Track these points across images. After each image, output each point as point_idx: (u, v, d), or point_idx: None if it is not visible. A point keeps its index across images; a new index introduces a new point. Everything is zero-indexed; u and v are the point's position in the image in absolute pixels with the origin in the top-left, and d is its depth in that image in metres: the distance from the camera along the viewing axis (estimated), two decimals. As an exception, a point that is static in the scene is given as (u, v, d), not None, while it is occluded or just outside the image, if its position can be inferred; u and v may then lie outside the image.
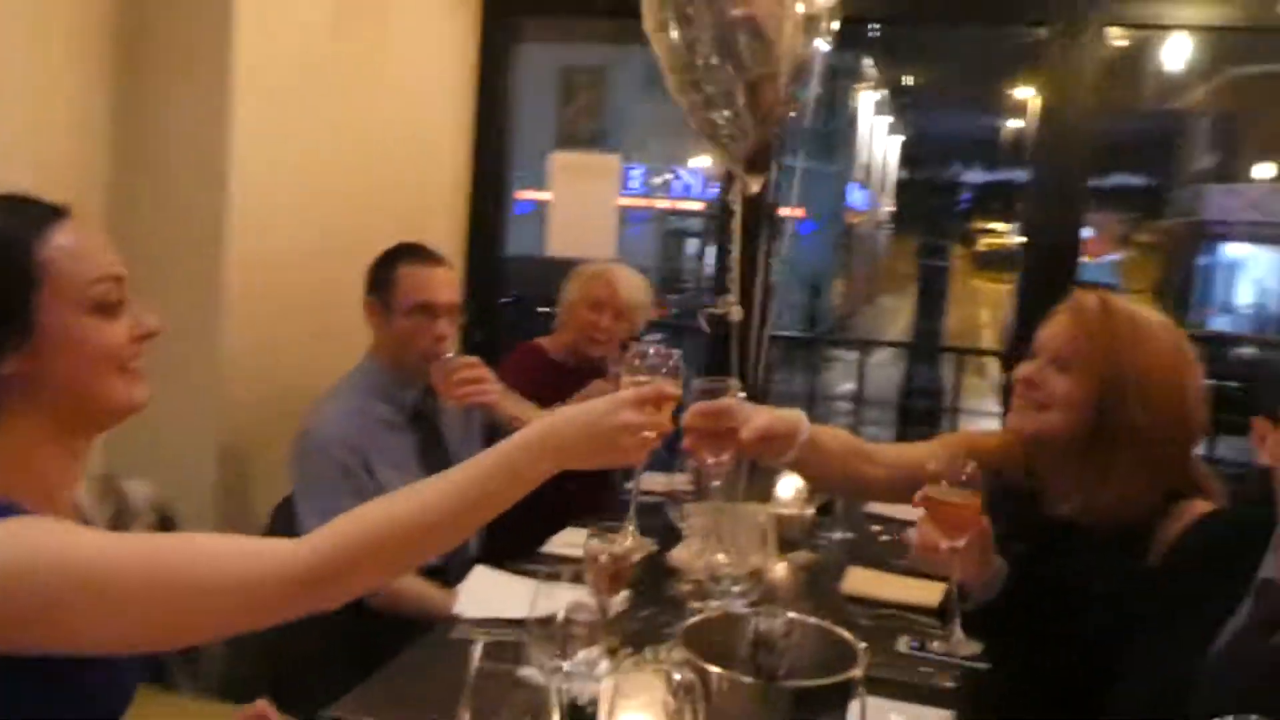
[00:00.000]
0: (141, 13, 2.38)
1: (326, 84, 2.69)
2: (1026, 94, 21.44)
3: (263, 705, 1.29)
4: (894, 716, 1.40)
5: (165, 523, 1.99)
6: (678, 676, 1.10)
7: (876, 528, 2.55)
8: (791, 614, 1.19)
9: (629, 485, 2.89)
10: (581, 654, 1.34)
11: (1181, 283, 23.86)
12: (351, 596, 1.09)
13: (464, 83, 3.45)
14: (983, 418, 6.25)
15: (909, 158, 25.13)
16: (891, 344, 9.00)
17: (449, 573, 2.23)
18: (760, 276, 1.99)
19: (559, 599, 1.36)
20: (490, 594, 1.90)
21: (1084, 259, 3.69)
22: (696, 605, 1.76)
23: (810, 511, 2.34)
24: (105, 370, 1.13)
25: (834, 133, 22.61)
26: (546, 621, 1.32)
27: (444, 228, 3.46)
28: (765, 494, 2.28)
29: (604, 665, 1.39)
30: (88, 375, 1.12)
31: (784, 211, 3.48)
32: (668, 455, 2.84)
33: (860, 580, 2.12)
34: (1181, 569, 1.55)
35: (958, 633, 1.53)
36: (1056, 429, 1.74)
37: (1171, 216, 25.19)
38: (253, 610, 1.04)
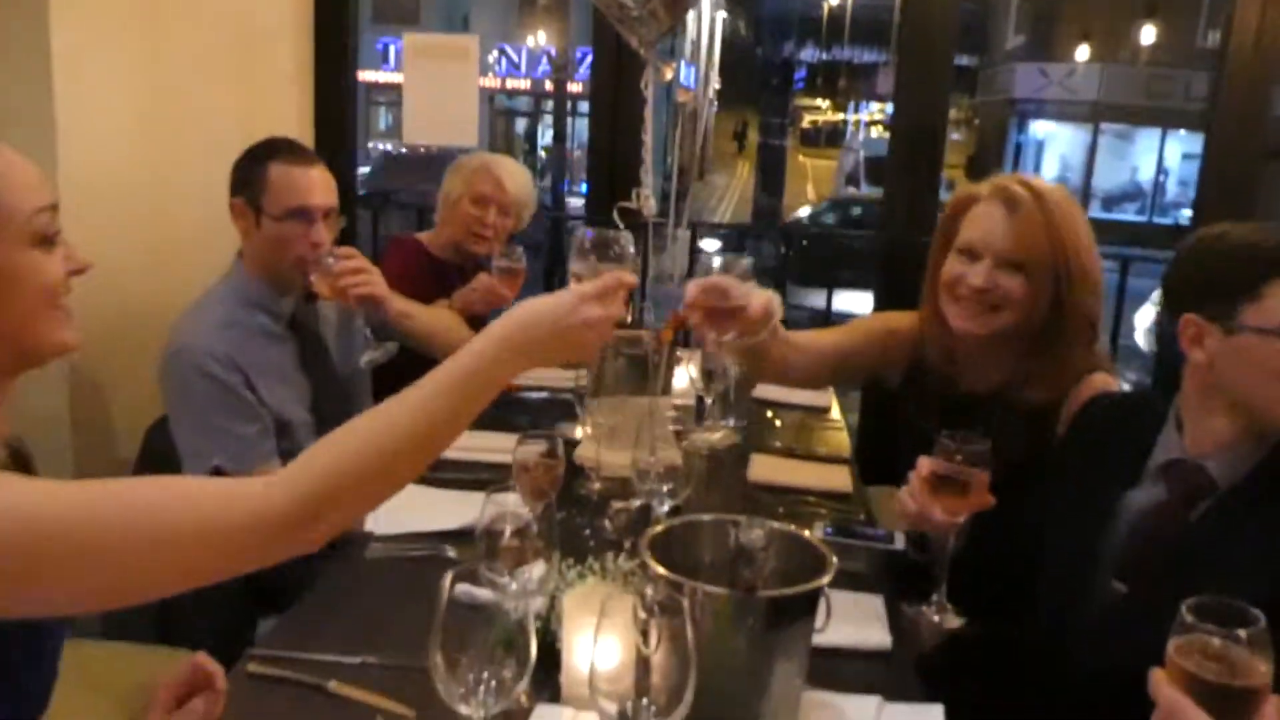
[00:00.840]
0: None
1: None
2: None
3: (202, 657, 1.19)
4: (842, 609, 1.41)
5: (18, 457, 1.81)
6: (651, 592, 1.06)
7: (769, 413, 2.58)
8: (769, 523, 1.16)
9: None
10: (527, 570, 1.30)
11: (993, 159, 25.01)
12: (332, 535, 0.99)
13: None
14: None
15: (743, 36, 25.12)
16: (742, 226, 9.05)
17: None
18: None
19: (500, 510, 1.31)
20: (400, 508, 1.80)
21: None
22: (620, 504, 1.74)
23: (708, 400, 2.34)
24: (43, 307, 1.07)
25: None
26: (493, 535, 1.26)
27: (290, 116, 3.21)
28: (665, 386, 2.26)
29: (552, 579, 1.34)
30: (26, 312, 1.06)
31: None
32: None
33: (765, 467, 2.13)
34: (1082, 443, 1.62)
35: (944, 602, 1.49)
36: (1010, 327, 1.74)
37: (985, 94, 26.22)
38: (230, 558, 0.95)
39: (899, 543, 1.74)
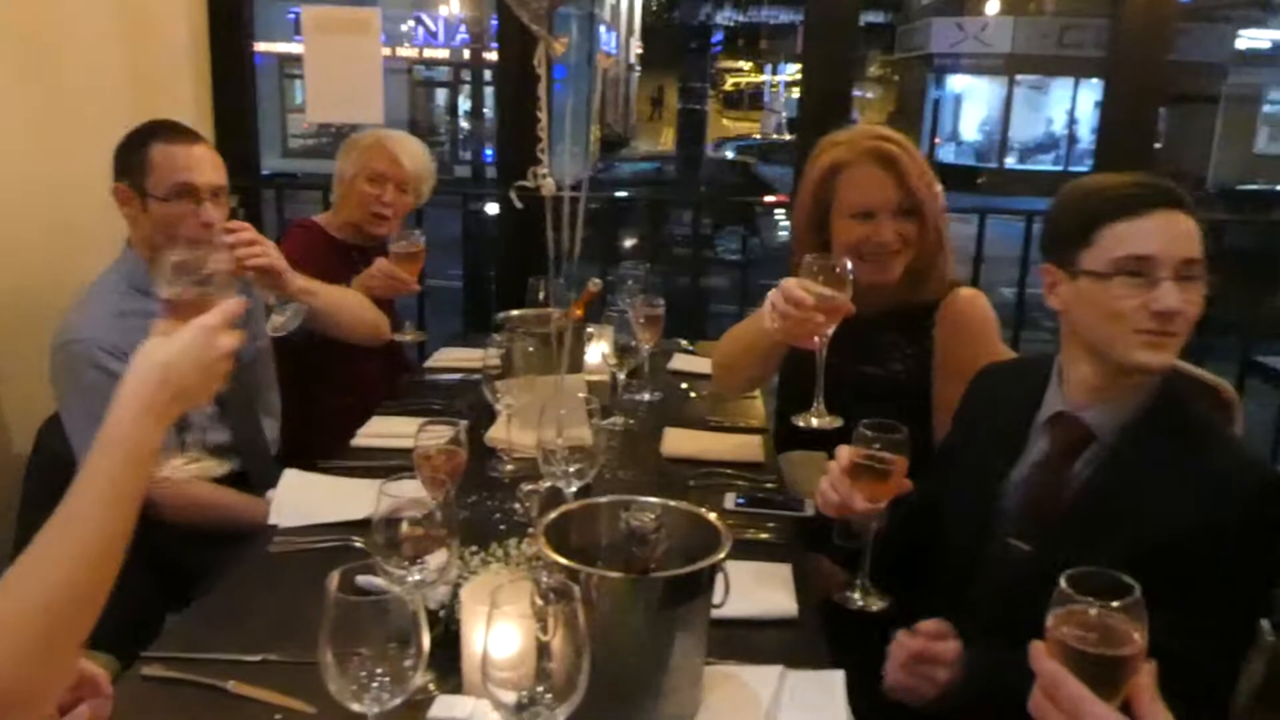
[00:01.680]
0: None
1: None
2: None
3: (81, 662, 1.15)
4: (749, 580, 1.43)
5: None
6: (546, 579, 1.06)
7: (683, 385, 2.59)
8: (660, 502, 1.16)
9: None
10: (428, 559, 1.28)
11: (914, 114, 25.28)
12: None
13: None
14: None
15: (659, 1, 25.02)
16: (666, 201, 8.97)
17: (251, 477, 2.09)
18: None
19: (399, 500, 1.28)
20: (305, 499, 1.79)
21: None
22: (529, 486, 1.73)
23: (621, 375, 2.34)
24: None
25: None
26: (391, 525, 1.24)
27: (186, 94, 3.12)
28: (576, 364, 2.25)
29: (453, 568, 1.33)
30: None
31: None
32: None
33: (678, 441, 2.14)
34: (976, 411, 1.66)
35: (868, 584, 1.51)
36: (910, 261, 1.94)
37: (902, 51, 26.43)
38: None
39: (809, 509, 1.76)
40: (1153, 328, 1.32)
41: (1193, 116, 21.13)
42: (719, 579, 1.14)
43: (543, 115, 1.63)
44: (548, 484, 1.66)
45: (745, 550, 1.61)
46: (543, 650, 1.01)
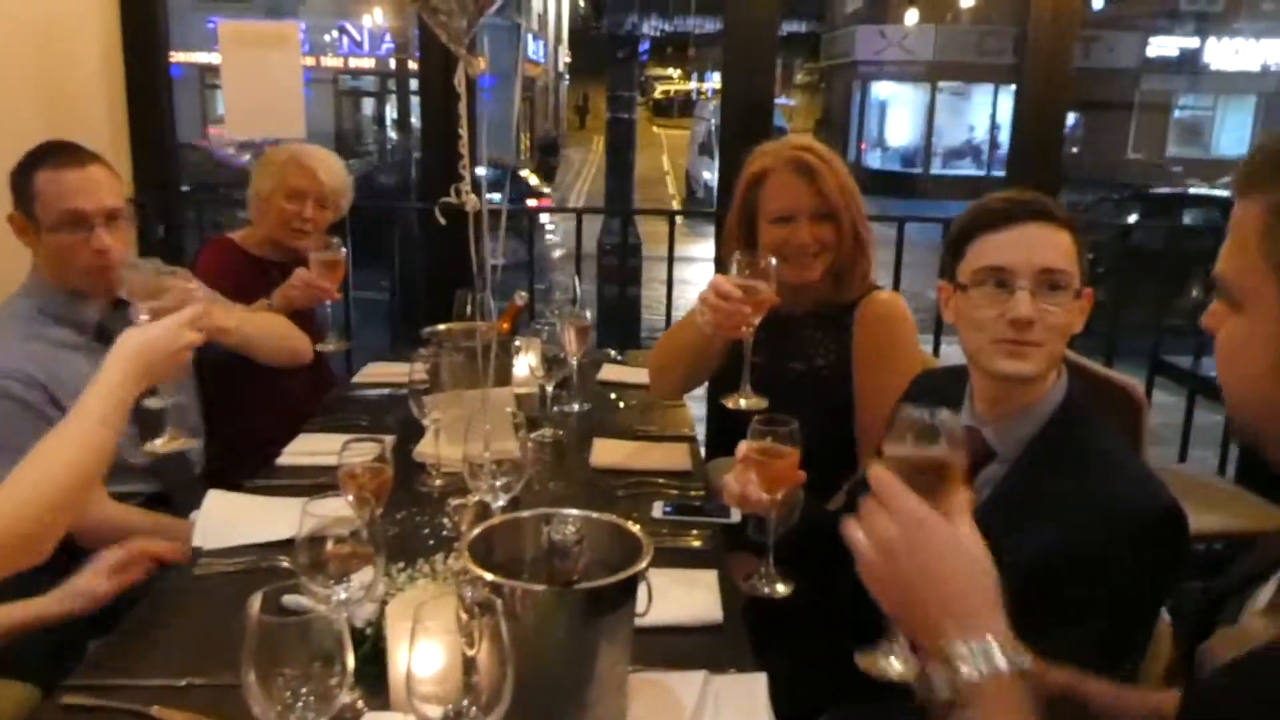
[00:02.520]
0: None
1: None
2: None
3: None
4: (675, 587, 1.45)
5: None
6: (470, 594, 1.07)
7: (613, 395, 2.61)
8: (580, 514, 1.18)
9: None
10: (355, 577, 1.29)
11: (840, 121, 25.66)
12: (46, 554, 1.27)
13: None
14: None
15: (589, 9, 25.04)
16: (594, 210, 8.96)
17: (174, 499, 2.06)
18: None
19: (322, 519, 1.28)
20: (230, 520, 1.77)
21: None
22: (458, 501, 1.73)
23: (550, 387, 2.35)
24: None
25: (506, -17, 21.97)
26: (315, 543, 1.24)
27: (100, 111, 3.06)
28: (503, 377, 2.26)
29: (380, 585, 1.34)
30: None
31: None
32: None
33: (607, 451, 2.16)
34: None
35: (772, 571, 1.53)
36: (830, 263, 2.08)
37: (828, 58, 26.82)
38: None
39: (735, 516, 1.80)
40: (1010, 336, 1.38)
41: (1106, 122, 21.79)
42: (641, 588, 1.16)
43: (464, 133, 1.65)
44: (476, 498, 1.67)
45: (672, 558, 1.64)
46: (468, 664, 1.02)
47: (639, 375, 2.73)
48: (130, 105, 3.20)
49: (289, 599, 1.11)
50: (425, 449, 2.05)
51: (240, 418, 2.40)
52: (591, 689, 1.12)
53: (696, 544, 1.75)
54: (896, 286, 3.35)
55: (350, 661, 1.01)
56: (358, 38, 21.07)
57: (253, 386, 2.45)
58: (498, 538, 1.19)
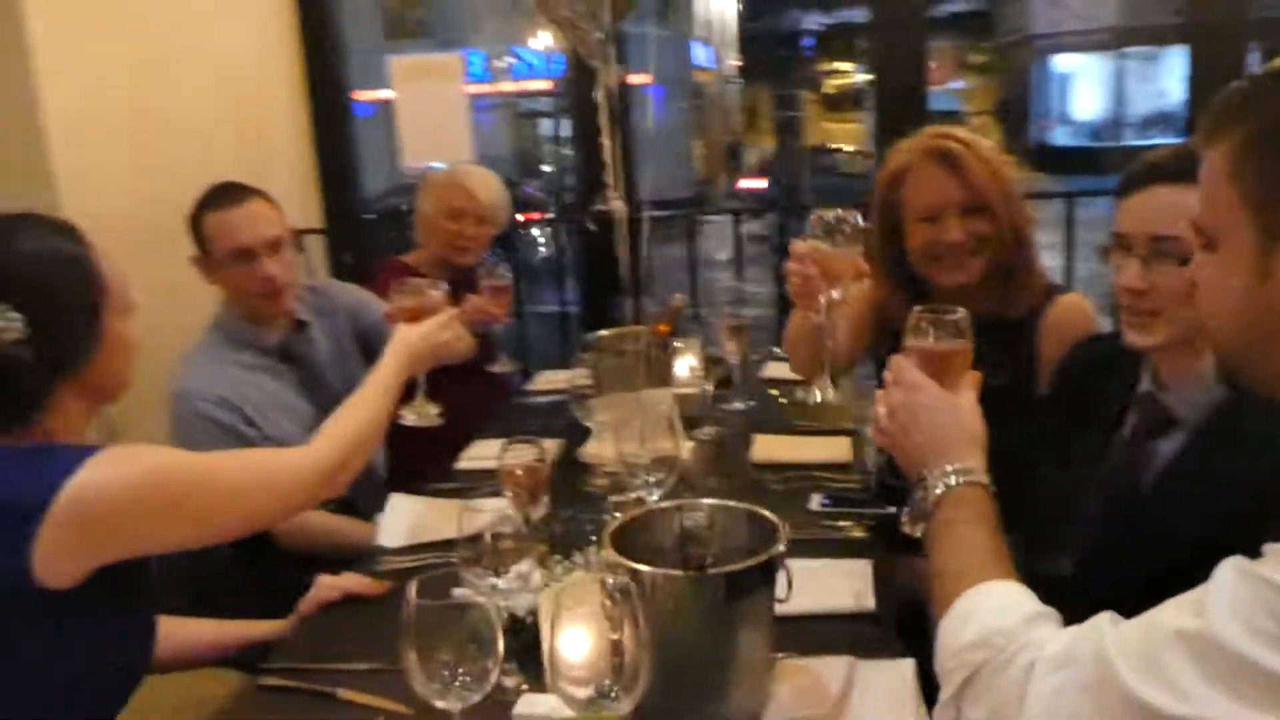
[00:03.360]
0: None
1: (126, 20, 2.50)
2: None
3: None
4: (828, 576, 1.47)
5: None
6: (611, 580, 1.13)
7: (774, 392, 2.62)
8: (712, 502, 1.22)
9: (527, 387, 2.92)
10: (514, 568, 1.37)
11: (1020, 100, 24.58)
12: (349, 482, 1.53)
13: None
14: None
15: (748, 10, 24.97)
16: (757, 209, 8.98)
17: (358, 503, 2.22)
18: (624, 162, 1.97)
19: (483, 516, 1.37)
20: (410, 521, 1.90)
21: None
22: (615, 499, 1.80)
23: (709, 388, 2.39)
24: (129, 361, 1.37)
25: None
26: (474, 540, 1.33)
27: (289, 149, 3.32)
28: (662, 377, 2.32)
29: (536, 576, 1.42)
30: (122, 367, 1.36)
31: (634, 79, 3.42)
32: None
33: (768, 447, 2.18)
34: (1072, 387, 1.64)
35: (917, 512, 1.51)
36: (989, 262, 1.88)
37: (1002, 36, 25.72)
38: (287, 502, 1.44)
39: (893, 507, 1.78)
40: (1127, 304, 1.36)
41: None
42: (781, 575, 1.19)
43: (606, 142, 1.73)
44: (633, 495, 1.73)
45: (829, 548, 1.66)
46: (612, 648, 1.08)
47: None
48: (316, 142, 3.46)
49: (458, 591, 1.21)
50: (590, 450, 2.13)
51: (422, 428, 2.56)
52: (731, 672, 1.15)
53: (854, 535, 1.75)
54: (1069, 271, 3.21)
55: (501, 644, 1.08)
56: (531, 61, 21.76)
57: (434, 397, 2.61)
58: (638, 529, 1.24)
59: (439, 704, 1.07)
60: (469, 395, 2.70)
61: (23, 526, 1.13)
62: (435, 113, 3.37)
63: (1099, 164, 21.57)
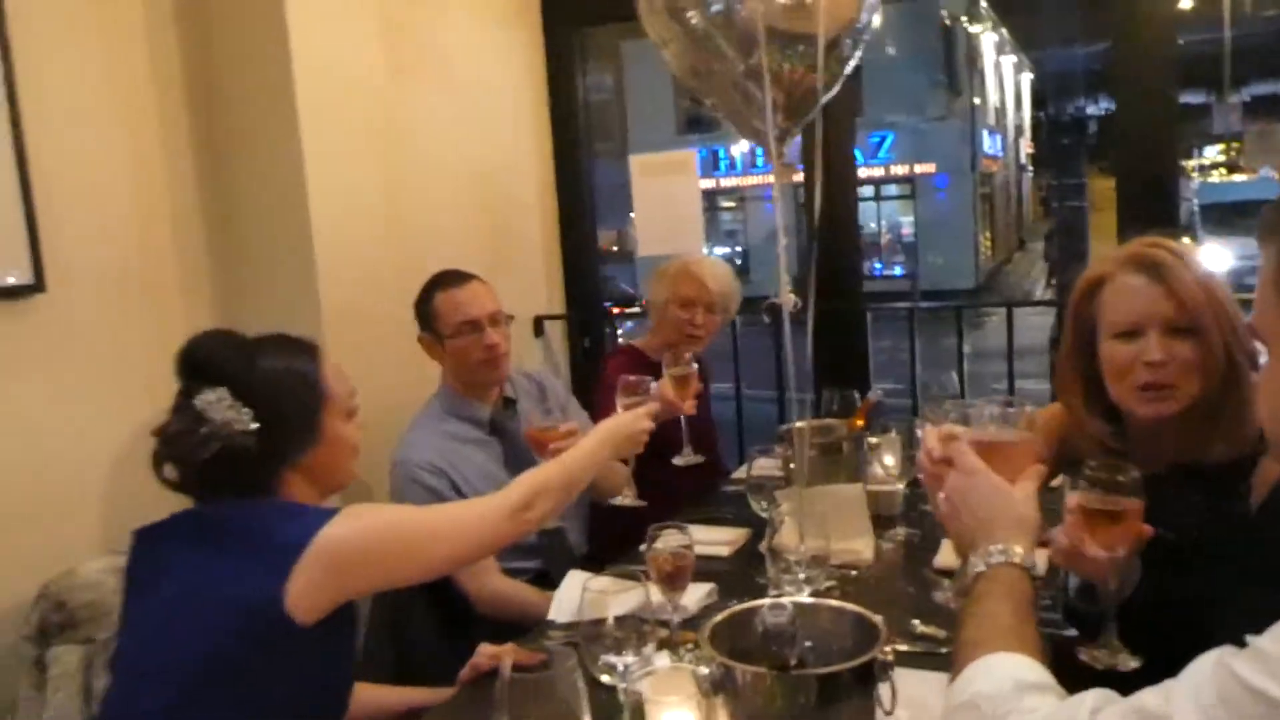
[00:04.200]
0: (210, 97, 2.58)
1: (389, 122, 2.83)
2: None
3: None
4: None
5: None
6: (704, 671, 1.14)
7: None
8: (806, 601, 1.21)
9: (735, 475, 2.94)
10: (644, 651, 1.40)
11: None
12: (542, 523, 1.72)
13: (534, 103, 3.57)
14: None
15: (1035, 96, 24.09)
16: (1034, 303, 8.55)
17: (552, 575, 2.32)
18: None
19: (628, 598, 1.43)
20: (578, 597, 1.97)
21: (1240, 178, 3.44)
22: (774, 592, 1.79)
23: (901, 487, 2.33)
24: (351, 457, 1.66)
25: (954, 77, 21.91)
26: (598, 623, 1.39)
27: (536, 240, 3.58)
28: (852, 473, 2.29)
29: (661, 661, 1.44)
30: (342, 461, 1.64)
31: (919, 169, 3.35)
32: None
33: (952, 552, 2.09)
34: None
35: (1115, 643, 1.39)
36: (1195, 396, 1.60)
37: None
38: (482, 539, 1.63)
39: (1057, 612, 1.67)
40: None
41: None
42: (885, 685, 1.15)
43: (781, 238, 1.76)
44: (775, 591, 1.73)
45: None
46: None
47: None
48: (561, 234, 3.71)
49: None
50: (772, 542, 2.12)
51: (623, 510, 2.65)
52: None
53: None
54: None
55: (587, 716, 1.12)
56: (728, 160, 22.26)
57: (640, 475, 2.69)
58: (737, 625, 1.24)
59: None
60: (674, 474, 2.76)
61: (282, 563, 1.39)
62: (670, 205, 3.52)
63: None
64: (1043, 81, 22.00)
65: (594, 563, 2.22)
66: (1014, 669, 1.05)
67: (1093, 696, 0.97)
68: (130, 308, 2.41)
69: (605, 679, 1.38)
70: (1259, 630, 1.32)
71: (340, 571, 1.42)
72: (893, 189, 23.24)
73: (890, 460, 2.36)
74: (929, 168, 22.14)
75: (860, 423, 2.48)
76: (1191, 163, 31.48)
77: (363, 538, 1.46)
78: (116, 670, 1.49)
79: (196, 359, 1.51)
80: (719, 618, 1.24)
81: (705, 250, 3.49)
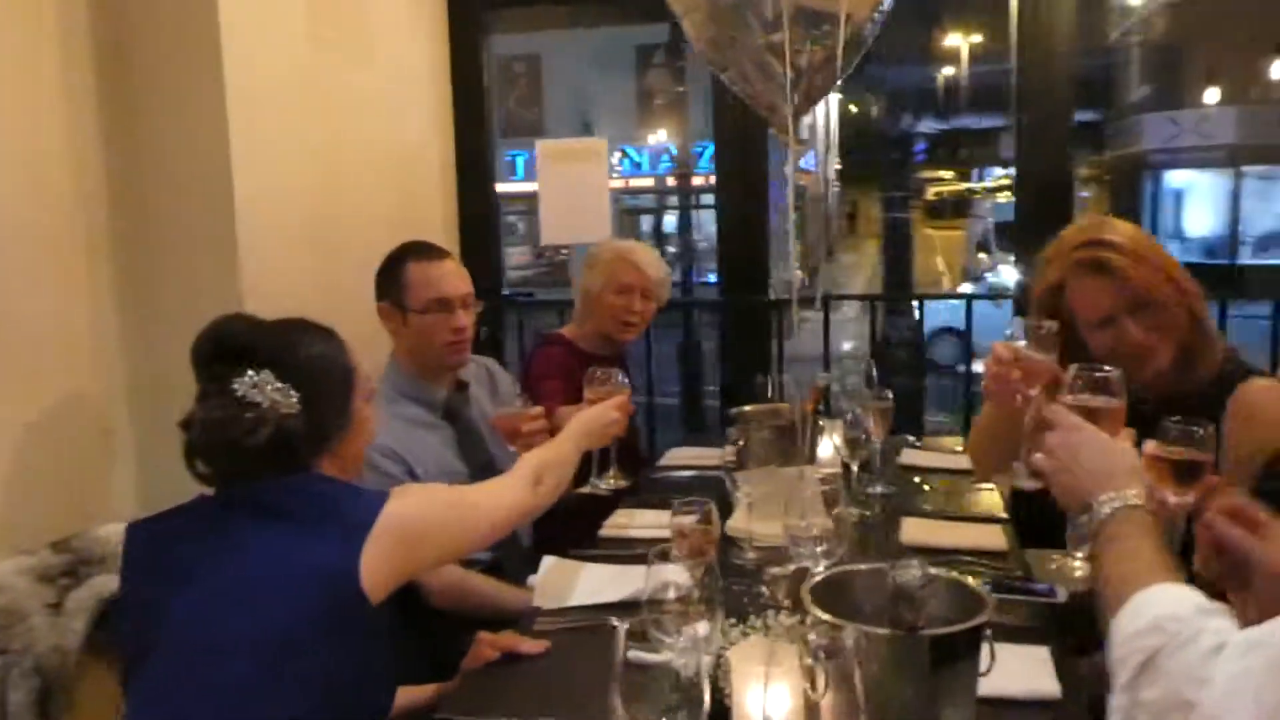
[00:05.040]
0: (122, 52, 2.33)
1: (313, 96, 2.66)
2: (956, 42, 21.60)
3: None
4: (1009, 660, 1.42)
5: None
6: (813, 638, 1.11)
7: (916, 479, 2.58)
8: (929, 567, 1.20)
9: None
10: (689, 629, 1.35)
11: (1129, 214, 24.19)
12: (549, 502, 1.80)
13: (438, 83, 3.44)
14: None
15: (854, 114, 25.34)
16: (861, 297, 9.05)
17: (505, 568, 2.23)
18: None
19: (639, 579, 1.38)
20: (564, 583, 1.90)
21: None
22: (776, 570, 1.77)
23: (855, 467, 2.37)
24: (369, 441, 1.67)
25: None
26: (658, 602, 1.32)
27: (438, 228, 3.45)
28: (811, 455, 2.30)
29: (717, 638, 1.40)
30: (361, 446, 1.64)
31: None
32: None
33: (918, 530, 2.14)
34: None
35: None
36: (1177, 345, 1.85)
37: (1114, 149, 25.50)
38: (515, 514, 1.70)
39: (1061, 596, 1.73)
40: None
41: None
42: (984, 646, 1.16)
43: (794, 214, 1.76)
44: (794, 566, 1.71)
45: (999, 634, 1.59)
46: (812, 709, 1.06)
47: (941, 459, 2.70)
48: (462, 223, 3.59)
49: (632, 654, 1.20)
50: (737, 524, 2.11)
51: (561, 495, 2.57)
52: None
53: (1022, 622, 1.69)
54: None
55: (706, 705, 1.07)
56: (637, 159, 22.38)
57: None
58: (833, 588, 1.22)
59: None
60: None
61: (356, 536, 1.38)
62: (577, 194, 3.47)
63: (1214, 281, 20.94)
64: (873, 99, 23.23)
65: (543, 551, 2.14)
66: (1189, 595, 1.08)
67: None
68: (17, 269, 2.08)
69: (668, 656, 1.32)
70: None
71: (409, 545, 1.43)
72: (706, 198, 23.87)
73: (838, 442, 2.39)
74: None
75: (812, 406, 2.51)
76: (981, 184, 33.83)
77: (424, 511, 1.49)
78: (157, 662, 1.36)
79: (236, 343, 1.46)
80: (815, 581, 1.21)
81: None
